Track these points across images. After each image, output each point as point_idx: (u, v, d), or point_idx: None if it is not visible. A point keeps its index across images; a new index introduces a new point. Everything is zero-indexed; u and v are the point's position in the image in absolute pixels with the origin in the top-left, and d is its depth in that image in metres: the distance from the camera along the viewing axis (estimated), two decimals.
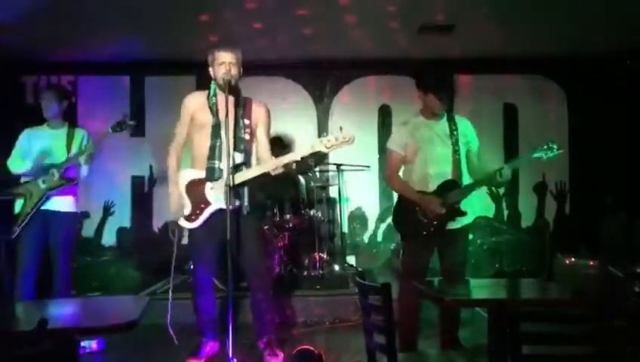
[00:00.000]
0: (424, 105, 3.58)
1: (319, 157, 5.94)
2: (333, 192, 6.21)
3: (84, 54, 5.87)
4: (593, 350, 1.98)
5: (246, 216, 3.44)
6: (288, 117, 6.22)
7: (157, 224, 6.40)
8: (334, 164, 5.87)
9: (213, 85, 3.51)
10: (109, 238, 6.29)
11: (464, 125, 3.62)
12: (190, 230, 3.46)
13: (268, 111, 3.62)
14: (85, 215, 6.05)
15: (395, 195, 3.77)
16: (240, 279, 4.20)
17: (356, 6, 4.80)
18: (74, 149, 4.01)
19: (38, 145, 4.02)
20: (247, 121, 3.47)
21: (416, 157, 3.54)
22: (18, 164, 4.03)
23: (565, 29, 5.31)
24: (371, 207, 6.48)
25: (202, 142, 3.41)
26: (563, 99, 6.55)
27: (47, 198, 3.90)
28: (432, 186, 3.50)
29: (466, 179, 3.55)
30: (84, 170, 4.04)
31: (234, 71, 3.40)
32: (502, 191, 6.42)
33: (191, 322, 4.31)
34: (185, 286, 5.28)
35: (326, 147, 3.12)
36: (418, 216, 3.47)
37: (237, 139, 3.40)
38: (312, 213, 5.64)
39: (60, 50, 5.73)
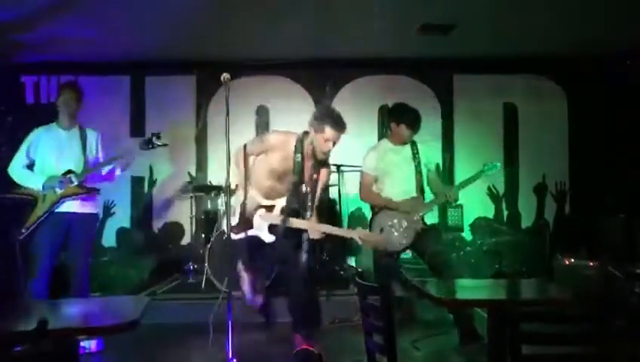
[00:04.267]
0: (394, 134, 4.11)
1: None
2: (333, 193, 6.20)
3: (84, 54, 5.87)
4: (593, 350, 1.98)
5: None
6: (288, 117, 6.21)
7: (157, 224, 6.40)
8: (334, 165, 5.86)
9: (301, 145, 3.66)
10: (109, 239, 6.29)
11: (424, 148, 4.15)
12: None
13: (330, 173, 3.96)
14: None
15: None
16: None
17: (356, 6, 4.80)
18: (89, 152, 3.98)
19: (50, 147, 3.93)
20: (315, 176, 3.73)
21: (385, 178, 4.10)
22: (25, 173, 3.88)
23: (565, 29, 5.32)
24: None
25: (273, 182, 3.70)
26: (563, 99, 6.55)
27: (61, 203, 3.82)
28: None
29: (428, 195, 4.12)
30: (117, 171, 4.07)
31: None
32: (502, 191, 6.42)
33: (190, 321, 4.34)
34: (185, 286, 5.30)
35: (359, 239, 3.56)
36: (392, 231, 3.96)
37: (308, 195, 3.69)
38: None
39: (59, 50, 5.73)
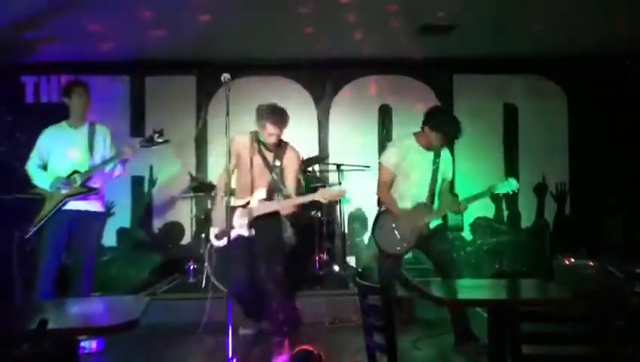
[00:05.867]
0: (425, 137, 3.87)
1: (318, 158, 5.98)
2: None
3: (84, 54, 5.87)
4: (593, 350, 1.98)
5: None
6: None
7: (157, 224, 6.40)
8: (334, 164, 5.86)
9: (261, 138, 3.80)
10: (109, 238, 6.28)
11: (446, 157, 4.00)
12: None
13: (299, 157, 4.00)
14: None
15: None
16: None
17: (356, 6, 4.80)
18: (96, 150, 3.98)
19: (59, 146, 3.95)
20: (278, 163, 3.82)
21: (403, 178, 3.92)
22: (37, 173, 3.94)
23: (565, 29, 5.31)
24: (371, 208, 6.43)
25: (244, 177, 3.84)
26: (563, 99, 6.55)
27: (66, 203, 3.84)
28: (409, 205, 3.91)
29: (437, 203, 3.97)
30: (117, 170, 4.06)
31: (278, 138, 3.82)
32: None
33: (190, 321, 4.34)
34: (185, 286, 5.30)
35: (323, 198, 3.69)
36: (394, 233, 3.89)
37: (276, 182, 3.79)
38: (312, 213, 5.63)
39: (59, 50, 5.73)
